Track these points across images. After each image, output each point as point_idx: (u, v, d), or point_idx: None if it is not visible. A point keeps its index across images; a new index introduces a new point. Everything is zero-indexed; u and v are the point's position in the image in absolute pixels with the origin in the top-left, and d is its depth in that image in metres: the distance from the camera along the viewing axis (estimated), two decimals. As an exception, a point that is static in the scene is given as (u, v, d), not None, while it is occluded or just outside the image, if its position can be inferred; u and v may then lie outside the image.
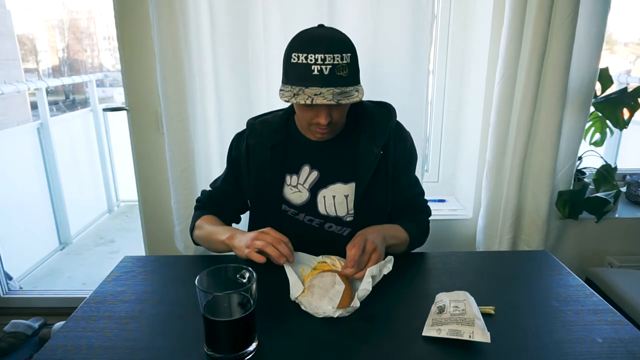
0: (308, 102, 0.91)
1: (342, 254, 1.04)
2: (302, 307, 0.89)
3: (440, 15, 1.71)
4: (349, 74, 0.96)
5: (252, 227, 1.23)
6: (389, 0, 1.47)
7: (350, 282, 0.96)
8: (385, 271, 0.98)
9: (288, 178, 1.13)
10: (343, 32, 1.02)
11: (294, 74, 0.96)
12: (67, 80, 3.65)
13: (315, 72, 0.93)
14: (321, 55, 0.92)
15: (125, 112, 1.67)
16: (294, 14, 1.47)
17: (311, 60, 0.92)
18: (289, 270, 0.94)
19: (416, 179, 1.22)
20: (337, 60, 0.93)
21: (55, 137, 3.01)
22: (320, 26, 1.02)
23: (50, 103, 3.13)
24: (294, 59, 0.95)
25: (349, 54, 0.96)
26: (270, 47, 1.50)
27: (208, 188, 1.27)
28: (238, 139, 1.19)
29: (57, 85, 3.41)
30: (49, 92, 3.15)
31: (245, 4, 1.47)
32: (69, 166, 3.17)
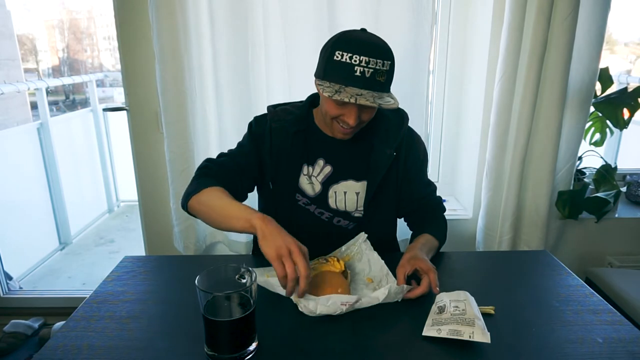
0: (352, 100, 0.93)
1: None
2: (300, 308, 0.89)
3: (440, 15, 1.71)
4: (386, 81, 0.99)
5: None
6: (389, 0, 1.47)
7: (350, 285, 0.96)
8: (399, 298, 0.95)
9: (305, 168, 1.14)
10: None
11: (335, 72, 0.97)
12: (67, 80, 3.65)
13: (358, 74, 0.94)
14: (366, 58, 0.94)
15: (125, 112, 1.67)
16: (294, 14, 1.47)
17: (355, 61, 0.94)
18: (265, 284, 0.96)
19: (428, 178, 1.27)
20: (379, 66, 0.95)
21: (55, 137, 3.00)
22: (363, 30, 1.03)
23: (50, 103, 3.13)
24: (337, 57, 0.96)
25: (389, 62, 0.98)
26: (270, 47, 1.50)
27: (213, 157, 1.17)
28: (259, 120, 1.17)
29: (57, 85, 3.41)
30: (49, 92, 3.14)
31: (245, 4, 1.47)
32: (69, 166, 3.17)
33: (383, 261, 1.04)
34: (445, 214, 1.25)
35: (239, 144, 1.19)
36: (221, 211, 0.98)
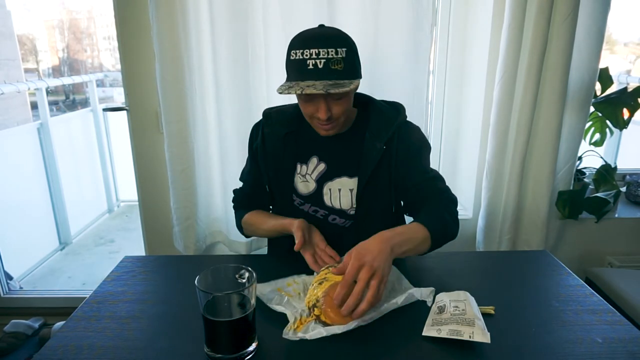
0: (298, 92, 0.95)
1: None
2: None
3: (440, 15, 1.71)
4: (345, 68, 0.98)
5: None
6: (389, 0, 1.47)
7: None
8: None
9: (298, 167, 1.15)
10: (344, 31, 1.04)
11: (292, 70, 1.00)
12: (67, 80, 3.65)
13: (310, 67, 0.96)
14: (315, 50, 0.95)
15: (125, 112, 1.67)
16: (294, 14, 1.47)
17: (306, 55, 0.96)
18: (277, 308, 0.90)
19: (431, 167, 1.18)
20: (332, 55, 0.96)
21: (55, 137, 3.01)
22: (321, 26, 1.04)
23: (51, 103, 3.14)
24: (292, 56, 0.99)
25: (344, 49, 0.98)
26: (270, 47, 1.50)
27: (239, 185, 1.29)
28: (255, 129, 1.21)
29: (57, 85, 3.41)
30: (49, 92, 3.15)
31: (245, 4, 1.47)
32: (69, 166, 3.17)
33: (393, 265, 1.03)
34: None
35: (246, 161, 1.26)
36: (265, 228, 1.17)
